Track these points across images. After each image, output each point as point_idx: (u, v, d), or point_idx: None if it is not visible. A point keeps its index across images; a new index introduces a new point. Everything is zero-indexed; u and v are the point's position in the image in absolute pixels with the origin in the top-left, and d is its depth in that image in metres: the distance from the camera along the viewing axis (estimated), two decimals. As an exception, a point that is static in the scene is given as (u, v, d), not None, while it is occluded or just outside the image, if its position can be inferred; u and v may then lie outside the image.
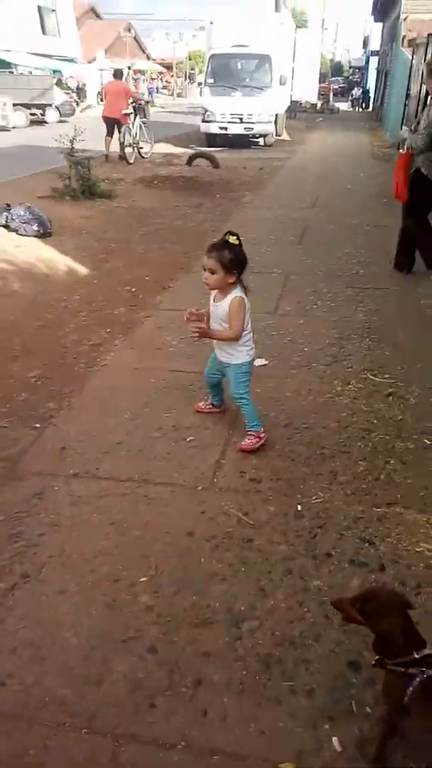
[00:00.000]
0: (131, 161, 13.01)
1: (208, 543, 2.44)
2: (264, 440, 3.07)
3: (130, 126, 13.08)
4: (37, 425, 3.25)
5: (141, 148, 13.64)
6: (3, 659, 1.93)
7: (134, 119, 13.24)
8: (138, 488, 2.76)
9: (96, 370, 3.90)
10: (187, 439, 3.14)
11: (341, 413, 3.41)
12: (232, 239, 2.81)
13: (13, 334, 4.40)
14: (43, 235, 6.87)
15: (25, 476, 2.84)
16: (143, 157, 13.68)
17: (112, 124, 13.08)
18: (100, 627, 2.04)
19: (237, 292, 2.91)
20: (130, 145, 13.13)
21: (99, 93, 34.34)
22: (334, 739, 1.68)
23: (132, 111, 13.17)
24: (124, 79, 14.52)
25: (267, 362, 3.99)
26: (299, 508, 2.65)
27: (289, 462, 2.97)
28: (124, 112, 12.98)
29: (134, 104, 13.36)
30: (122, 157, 12.94)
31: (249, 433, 3.08)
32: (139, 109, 13.61)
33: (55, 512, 2.59)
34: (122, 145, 12.89)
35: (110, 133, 13.15)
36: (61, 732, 1.71)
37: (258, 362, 3.95)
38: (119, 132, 12.91)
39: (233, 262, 2.83)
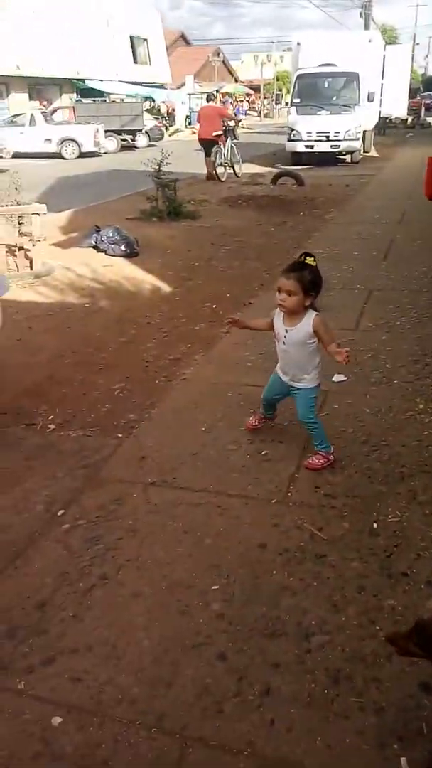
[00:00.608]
0: (223, 179, 13.72)
1: (280, 556, 2.45)
2: (331, 462, 3.03)
3: (222, 147, 13.77)
4: (119, 435, 3.38)
5: (233, 167, 14.29)
6: (80, 656, 2.02)
7: (226, 140, 13.92)
8: (212, 499, 2.81)
9: (175, 383, 4.01)
10: (262, 453, 3.16)
11: (423, 432, 3.33)
12: (310, 260, 2.75)
13: (99, 349, 4.60)
14: (130, 254, 7.15)
15: (105, 483, 2.95)
16: (237, 176, 14.27)
17: (208, 144, 13.79)
18: (172, 631, 2.09)
19: (313, 312, 2.84)
20: (222, 165, 13.87)
21: (187, 117, 35.47)
22: (403, 760, 1.64)
23: (223, 132, 13.82)
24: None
25: (346, 378, 3.95)
26: (375, 525, 2.60)
27: (365, 479, 2.93)
28: (215, 133, 13.64)
29: (224, 127, 13.95)
30: (211, 177, 13.68)
31: (318, 453, 3.04)
32: (229, 131, 14.22)
33: (132, 518, 2.68)
34: (214, 165, 13.66)
35: (209, 154, 13.87)
36: (131, 729, 1.77)
37: (337, 378, 3.94)
38: (211, 153, 13.69)
39: (313, 283, 2.76)
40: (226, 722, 1.78)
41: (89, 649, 2.03)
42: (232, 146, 14.23)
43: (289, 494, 2.84)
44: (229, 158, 14.13)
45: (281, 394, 3.12)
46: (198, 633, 2.08)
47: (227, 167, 14.20)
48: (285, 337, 2.90)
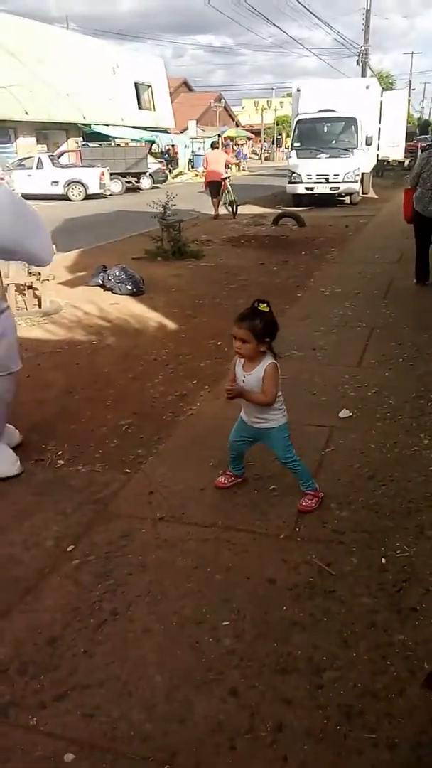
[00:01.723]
0: (235, 217, 14.97)
1: (290, 591, 2.46)
2: (321, 499, 3.04)
3: (228, 188, 14.93)
4: (127, 470, 3.41)
5: (238, 205, 15.39)
6: (92, 692, 2.01)
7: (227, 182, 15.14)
8: (221, 534, 2.83)
9: (182, 419, 4.06)
10: (270, 488, 3.19)
11: (428, 467, 3.36)
12: (263, 306, 2.76)
13: (107, 385, 4.66)
14: (136, 293, 7.28)
15: (114, 518, 2.98)
16: (234, 216, 15.17)
17: (215, 186, 15.05)
18: (184, 667, 2.10)
19: (269, 359, 2.85)
20: (231, 203, 15.13)
21: (190, 160, 36.38)
22: (417, 796, 1.64)
23: (229, 176, 15.14)
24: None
25: (351, 414, 4.00)
26: (383, 561, 2.62)
27: (373, 514, 2.96)
28: (223, 176, 14.90)
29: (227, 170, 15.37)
30: (217, 216, 14.95)
31: (307, 493, 3.04)
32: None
33: (142, 553, 2.69)
34: (225, 204, 15.06)
35: (214, 195, 15.12)
36: (144, 766, 1.76)
37: (342, 414, 3.99)
38: (217, 194, 15.01)
39: (264, 330, 2.77)
40: (239, 759, 1.77)
41: (101, 685, 2.03)
42: (231, 188, 15.17)
43: (297, 529, 2.86)
44: (234, 197, 15.17)
45: (248, 437, 3.08)
46: (209, 669, 2.08)
47: (235, 205, 15.25)
48: (243, 382, 2.89)
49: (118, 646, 2.20)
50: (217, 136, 38.80)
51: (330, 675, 2.04)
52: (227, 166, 15.41)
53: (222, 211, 15.22)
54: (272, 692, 1.98)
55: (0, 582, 2.55)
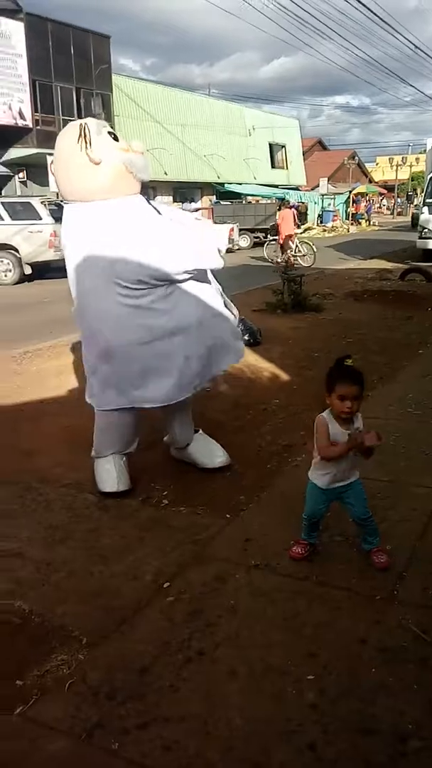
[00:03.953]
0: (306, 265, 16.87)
1: (381, 654, 2.39)
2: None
3: (296, 241, 17.79)
4: (227, 515, 3.49)
5: (304, 256, 17.58)
6: (173, 726, 2.08)
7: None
8: (315, 588, 2.81)
9: (286, 469, 4.09)
10: (370, 546, 3.13)
11: None
12: (350, 361, 2.87)
13: (215, 431, 4.79)
14: (253, 344, 7.45)
15: (210, 560, 3.06)
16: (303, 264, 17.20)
17: (287, 240, 17.61)
18: (264, 714, 2.10)
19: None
20: (296, 255, 17.47)
21: (319, 215, 37.03)
22: None
23: (298, 231, 18.22)
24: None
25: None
26: None
27: None
28: (296, 231, 18.05)
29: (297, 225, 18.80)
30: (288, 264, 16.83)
31: (378, 549, 2.99)
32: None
33: (234, 598, 2.74)
34: (294, 255, 17.39)
35: (289, 248, 17.63)
36: (215, 807, 1.79)
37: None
38: (287, 247, 17.54)
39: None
40: None
41: (182, 720, 2.09)
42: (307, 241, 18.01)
43: (395, 591, 2.78)
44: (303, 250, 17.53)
45: (329, 503, 3.04)
46: (289, 720, 2.08)
47: (303, 257, 17.43)
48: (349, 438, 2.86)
49: (203, 684, 2.25)
50: (348, 192, 39.30)
51: (414, 744, 1.96)
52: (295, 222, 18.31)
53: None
54: (351, 751, 1.94)
55: (100, 609, 2.71)
